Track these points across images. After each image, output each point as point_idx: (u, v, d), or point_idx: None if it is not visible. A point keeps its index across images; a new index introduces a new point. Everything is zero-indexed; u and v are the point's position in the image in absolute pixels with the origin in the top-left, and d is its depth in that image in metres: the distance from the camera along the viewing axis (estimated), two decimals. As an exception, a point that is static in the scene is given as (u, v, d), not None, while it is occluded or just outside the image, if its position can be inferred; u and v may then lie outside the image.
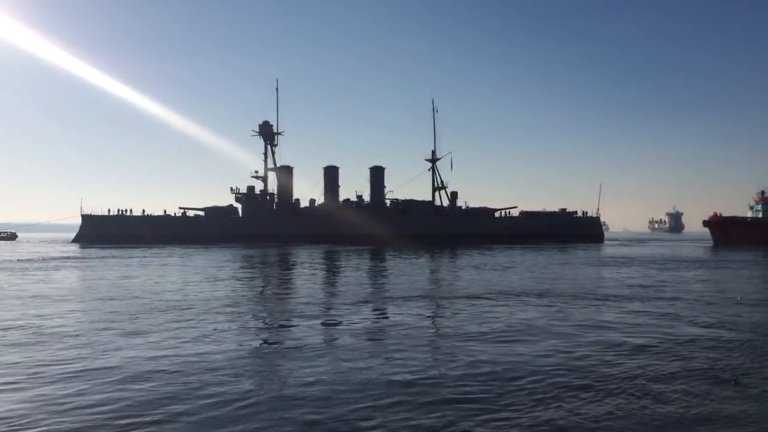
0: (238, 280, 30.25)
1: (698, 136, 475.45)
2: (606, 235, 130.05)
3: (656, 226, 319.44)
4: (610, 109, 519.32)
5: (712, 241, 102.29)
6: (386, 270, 37.65)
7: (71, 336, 14.35)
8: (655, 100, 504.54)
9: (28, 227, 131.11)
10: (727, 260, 50.07)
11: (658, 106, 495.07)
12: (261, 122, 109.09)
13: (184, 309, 19.05)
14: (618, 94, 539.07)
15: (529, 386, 10.34)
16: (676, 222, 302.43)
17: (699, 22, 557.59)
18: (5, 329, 15.27)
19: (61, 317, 17.32)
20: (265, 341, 14.45)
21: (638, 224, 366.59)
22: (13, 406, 9.05)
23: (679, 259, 52.36)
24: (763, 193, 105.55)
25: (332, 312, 19.07)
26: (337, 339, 14.52)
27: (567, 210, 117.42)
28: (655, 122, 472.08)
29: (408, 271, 35.61)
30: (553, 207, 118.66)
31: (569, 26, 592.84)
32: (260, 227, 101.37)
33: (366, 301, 21.59)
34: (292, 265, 42.88)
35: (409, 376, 10.93)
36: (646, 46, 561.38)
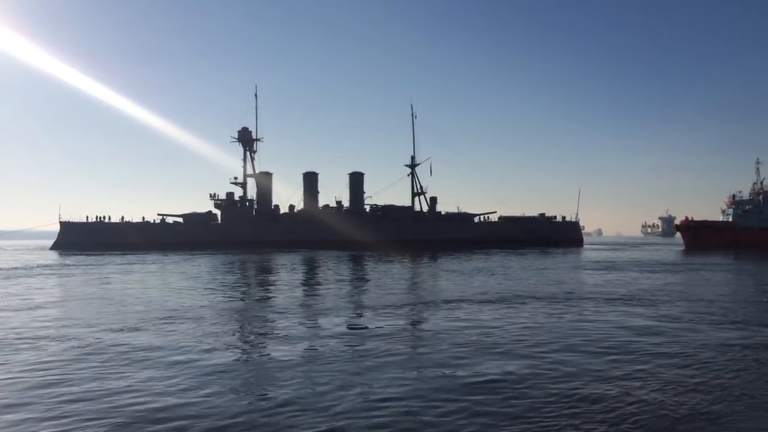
0: (220, 288, 30.65)
1: (693, 140, 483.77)
2: (598, 239, 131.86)
3: (649, 230, 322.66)
4: (595, 115, 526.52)
5: (684, 246, 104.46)
6: (366, 277, 38.23)
7: (67, 342, 14.83)
8: (648, 106, 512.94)
9: (9, 234, 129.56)
10: (683, 263, 51.50)
11: (651, 111, 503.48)
12: (240, 128, 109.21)
13: (171, 319, 19.52)
14: (603, 100, 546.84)
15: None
16: (668, 226, 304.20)
17: (693, 26, 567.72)
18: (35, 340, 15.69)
19: (65, 327, 17.74)
20: (243, 355, 15.05)
21: (632, 229, 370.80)
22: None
23: (640, 262, 53.73)
24: (734, 197, 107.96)
25: (311, 322, 19.61)
26: (314, 351, 15.05)
27: (546, 215, 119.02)
28: (649, 127, 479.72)
29: (387, 278, 36.23)
30: (533, 212, 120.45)
31: (551, 32, 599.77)
32: (240, 234, 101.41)
33: (345, 310, 22.17)
34: (273, 272, 43.32)
35: (389, 392, 11.47)
36: (633, 52, 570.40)
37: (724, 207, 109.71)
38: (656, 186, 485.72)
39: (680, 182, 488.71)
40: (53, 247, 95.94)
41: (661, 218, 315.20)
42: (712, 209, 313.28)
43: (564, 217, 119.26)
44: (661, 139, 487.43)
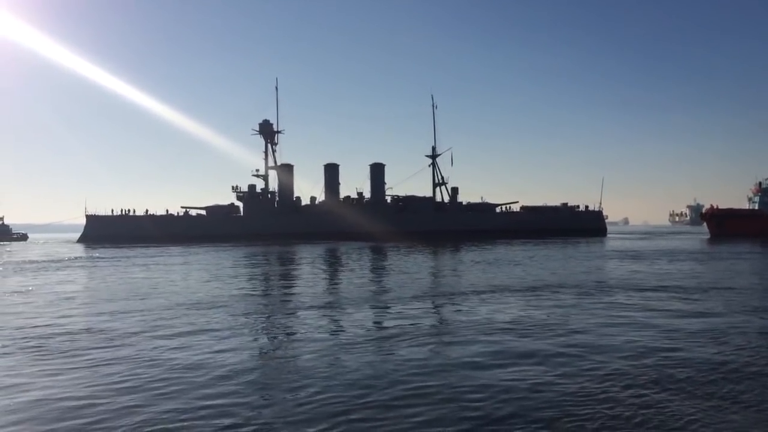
0: (245, 280, 31.06)
1: (722, 126, 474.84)
2: (624, 228, 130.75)
3: (677, 219, 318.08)
4: (620, 102, 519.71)
5: (708, 235, 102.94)
6: (388, 268, 38.37)
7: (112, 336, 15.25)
8: (674, 91, 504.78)
9: (39, 228, 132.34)
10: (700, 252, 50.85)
11: (678, 97, 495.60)
12: (261, 121, 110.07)
13: (198, 310, 19.88)
14: (628, 86, 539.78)
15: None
16: (697, 215, 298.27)
17: (720, 10, 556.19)
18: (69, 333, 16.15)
19: (97, 319, 18.20)
20: (268, 345, 15.32)
21: (660, 217, 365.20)
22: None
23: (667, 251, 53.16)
24: (760, 184, 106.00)
25: (337, 312, 19.81)
26: (340, 340, 15.20)
27: (569, 204, 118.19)
28: (676, 113, 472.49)
29: (410, 269, 36.30)
30: (556, 202, 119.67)
31: (573, 21, 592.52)
32: (262, 226, 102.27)
33: (370, 301, 22.34)
34: (296, 264, 43.71)
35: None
36: (658, 37, 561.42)
37: (751, 195, 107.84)
38: (684, 174, 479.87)
39: (709, 169, 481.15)
40: (80, 240, 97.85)
41: (689, 206, 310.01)
42: (743, 197, 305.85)
43: (587, 207, 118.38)
44: (689, 125, 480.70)
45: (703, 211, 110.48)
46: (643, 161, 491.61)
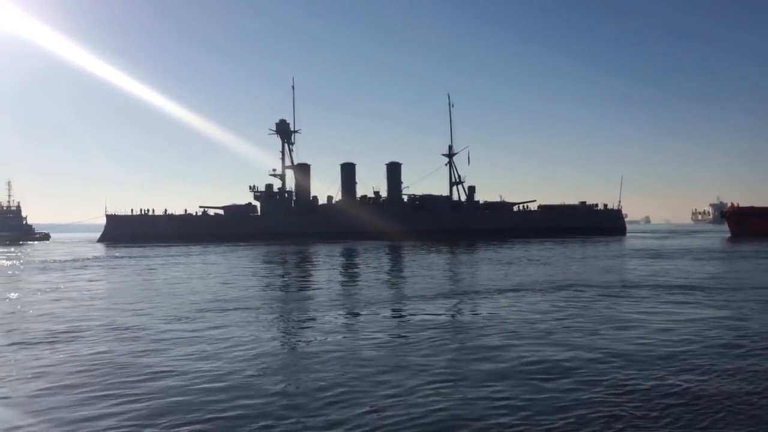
0: (264, 279, 31.33)
1: (744, 123, 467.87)
2: (645, 227, 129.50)
3: (699, 217, 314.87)
4: (639, 99, 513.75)
5: (729, 233, 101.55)
6: (406, 267, 38.35)
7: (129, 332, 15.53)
8: (695, 88, 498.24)
9: (60, 227, 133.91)
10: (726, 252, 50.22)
11: (698, 93, 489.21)
12: (278, 121, 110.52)
13: (219, 309, 20.11)
14: (647, 83, 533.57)
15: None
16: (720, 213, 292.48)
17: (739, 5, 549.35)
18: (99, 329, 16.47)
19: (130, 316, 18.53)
20: (286, 343, 15.46)
21: (682, 216, 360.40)
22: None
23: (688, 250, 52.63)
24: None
25: (354, 311, 19.84)
26: (358, 338, 15.27)
27: (587, 203, 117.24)
28: (696, 110, 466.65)
29: (428, 268, 36.27)
30: (575, 200, 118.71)
31: (589, 19, 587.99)
32: (279, 225, 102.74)
33: (388, 299, 22.37)
34: (314, 263, 43.93)
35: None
36: (679, 32, 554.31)
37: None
38: (707, 172, 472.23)
39: (733, 168, 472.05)
40: (100, 240, 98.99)
41: (712, 205, 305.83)
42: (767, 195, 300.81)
43: (606, 205, 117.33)
44: (711, 122, 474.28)
45: (725, 209, 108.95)
46: (665, 159, 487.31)
